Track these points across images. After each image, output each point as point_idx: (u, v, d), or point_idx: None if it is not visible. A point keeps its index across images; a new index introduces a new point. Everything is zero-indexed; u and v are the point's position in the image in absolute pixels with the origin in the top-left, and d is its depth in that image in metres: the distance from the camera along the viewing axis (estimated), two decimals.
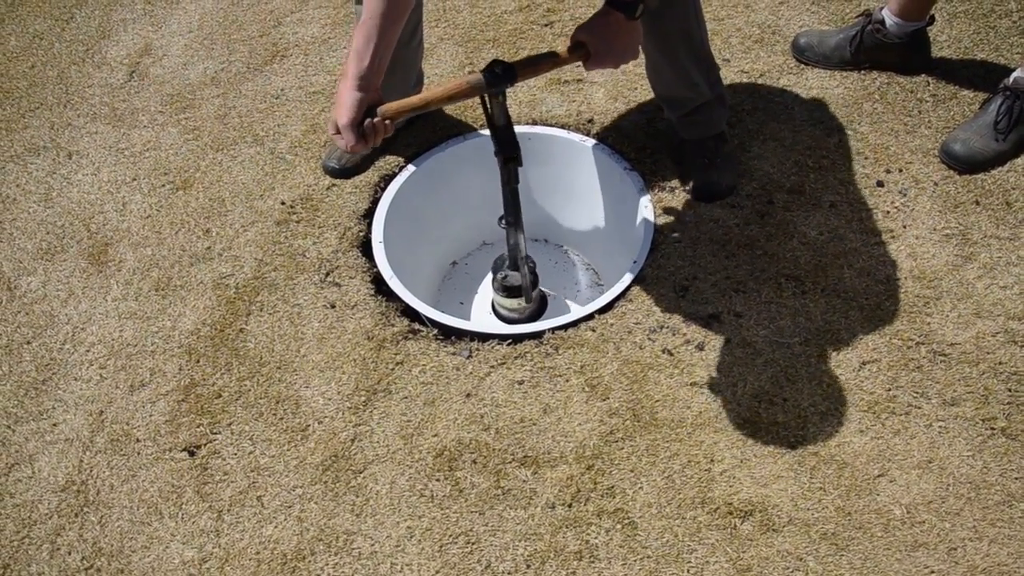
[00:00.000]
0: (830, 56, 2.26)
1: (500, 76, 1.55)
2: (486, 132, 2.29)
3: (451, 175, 2.30)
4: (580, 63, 1.59)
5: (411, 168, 2.23)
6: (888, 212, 1.95)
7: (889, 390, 1.69)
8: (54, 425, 1.80)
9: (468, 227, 2.47)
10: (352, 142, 1.48)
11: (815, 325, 1.79)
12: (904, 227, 1.92)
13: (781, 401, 1.69)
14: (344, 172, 2.20)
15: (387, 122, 1.50)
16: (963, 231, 1.90)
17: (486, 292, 2.38)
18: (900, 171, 2.02)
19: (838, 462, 1.61)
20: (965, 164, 1.99)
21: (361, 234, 2.11)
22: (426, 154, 2.26)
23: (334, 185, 2.20)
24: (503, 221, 1.84)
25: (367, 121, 1.48)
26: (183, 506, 1.65)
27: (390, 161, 2.25)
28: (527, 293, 1.99)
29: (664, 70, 1.95)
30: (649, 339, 1.82)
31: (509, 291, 2.01)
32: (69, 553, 1.61)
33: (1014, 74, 1.99)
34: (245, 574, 1.56)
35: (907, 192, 1.98)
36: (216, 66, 2.58)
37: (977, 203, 1.95)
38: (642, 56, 1.92)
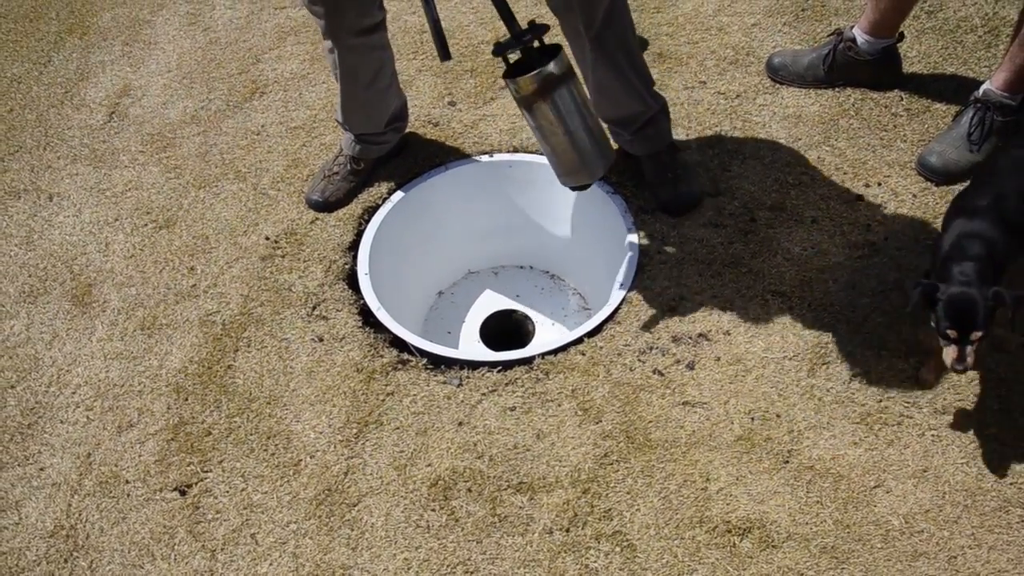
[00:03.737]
0: (804, 75, 2.29)
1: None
2: (466, 161, 2.31)
3: (433, 205, 2.30)
4: None
5: (394, 199, 2.23)
6: (869, 226, 1.97)
7: (880, 401, 1.69)
8: (41, 470, 1.77)
9: (452, 256, 2.47)
10: None
11: (803, 340, 1.80)
12: (885, 239, 1.94)
13: (774, 416, 1.69)
14: (327, 205, 2.21)
15: None
16: None
17: (474, 320, 2.38)
18: (879, 184, 2.05)
19: (834, 475, 1.61)
20: (942, 175, 2.02)
21: (346, 266, 2.10)
22: (407, 185, 2.27)
23: (318, 219, 2.20)
24: None
25: None
26: (175, 547, 1.63)
27: (373, 193, 2.26)
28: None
29: (612, 89, 1.96)
30: (639, 360, 1.82)
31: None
32: None
33: (983, 86, 2.02)
34: None
35: (887, 205, 2.00)
36: (196, 104, 2.58)
37: None
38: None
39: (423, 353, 1.93)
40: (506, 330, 2.41)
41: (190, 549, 1.62)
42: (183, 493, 1.70)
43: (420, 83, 2.53)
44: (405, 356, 1.92)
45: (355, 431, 1.77)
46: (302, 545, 1.61)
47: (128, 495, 1.71)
